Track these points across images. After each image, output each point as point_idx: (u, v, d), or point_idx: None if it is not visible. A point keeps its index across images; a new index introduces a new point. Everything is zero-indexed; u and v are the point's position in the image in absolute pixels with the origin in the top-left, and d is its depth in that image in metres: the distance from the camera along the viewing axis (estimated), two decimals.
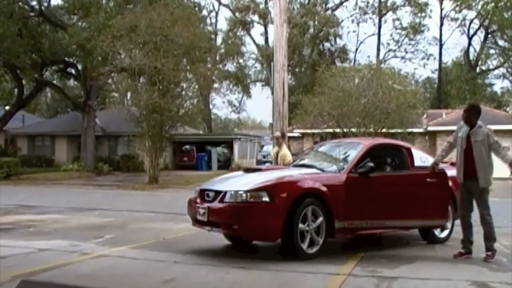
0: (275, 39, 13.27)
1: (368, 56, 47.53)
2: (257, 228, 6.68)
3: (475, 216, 7.09)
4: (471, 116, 7.03)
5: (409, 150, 8.24)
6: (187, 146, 37.75)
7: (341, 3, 50.51)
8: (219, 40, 51.85)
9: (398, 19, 49.92)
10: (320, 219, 6.82)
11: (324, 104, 23.61)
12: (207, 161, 35.14)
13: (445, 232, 8.24)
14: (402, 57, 50.20)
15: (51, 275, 5.71)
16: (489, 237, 6.91)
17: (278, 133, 10.96)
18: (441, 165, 8.61)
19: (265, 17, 48.75)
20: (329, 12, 49.47)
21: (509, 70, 49.55)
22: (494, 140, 6.87)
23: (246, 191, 6.62)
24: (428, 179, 7.77)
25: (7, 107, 36.44)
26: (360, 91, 23.55)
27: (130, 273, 6.00)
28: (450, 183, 8.12)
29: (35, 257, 6.92)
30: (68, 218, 11.26)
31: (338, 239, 7.26)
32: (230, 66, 52.22)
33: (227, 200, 6.71)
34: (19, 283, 2.16)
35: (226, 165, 34.39)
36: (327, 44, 49.65)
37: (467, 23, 49.38)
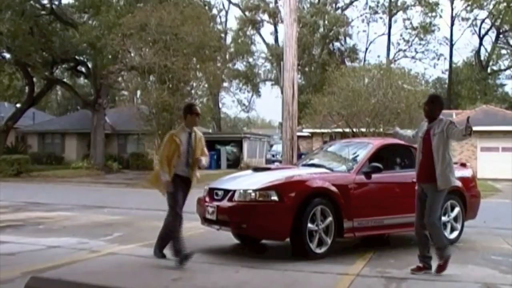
0: (285, 38, 13.22)
1: (378, 56, 47.32)
2: (266, 227, 6.68)
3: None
4: (434, 108, 6.19)
5: None
6: None
7: (351, 3, 50.35)
8: (229, 39, 51.89)
9: (408, 18, 49.72)
10: (329, 219, 6.80)
11: (333, 104, 23.56)
12: (216, 160, 35.15)
13: (455, 233, 8.19)
14: (412, 57, 49.97)
15: (60, 272, 5.74)
16: (437, 243, 6.06)
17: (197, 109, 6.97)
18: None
19: (275, 16, 48.71)
20: (339, 11, 49.34)
21: None
22: (452, 125, 5.99)
23: (255, 190, 6.62)
24: None
25: (18, 105, 36.69)
26: (370, 91, 23.48)
27: (139, 271, 6.02)
28: (460, 183, 8.10)
29: (45, 254, 6.96)
30: (78, 216, 11.31)
31: (347, 239, 7.24)
32: (240, 65, 52.32)
33: (236, 199, 6.71)
34: (29, 280, 2.16)
35: (235, 164, 34.38)
36: (337, 44, 49.50)
37: (478, 23, 49.11)
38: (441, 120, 6.09)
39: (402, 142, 9.38)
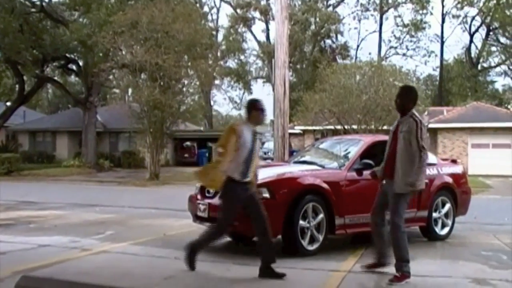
0: (276, 36, 13.22)
1: (370, 53, 47.25)
2: None
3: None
4: (406, 101, 5.67)
5: None
6: (188, 143, 37.73)
7: (342, 0, 50.47)
8: (220, 37, 51.90)
9: (399, 16, 49.90)
10: (321, 215, 6.81)
11: (325, 101, 23.60)
12: (208, 158, 35.15)
13: (446, 229, 8.23)
14: (404, 54, 50.14)
15: (51, 271, 5.71)
16: (398, 254, 5.48)
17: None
18: (442, 162, 8.67)
19: (266, 14, 48.71)
20: (330, 9, 49.45)
21: (511, 67, 49.55)
22: (419, 136, 5.33)
23: None
24: (428, 173, 7.79)
25: (8, 103, 36.48)
26: (361, 88, 23.53)
27: (131, 269, 6.00)
28: (451, 180, 8.17)
29: (36, 253, 6.92)
30: (69, 214, 11.27)
31: (338, 235, 7.25)
32: (231, 63, 52.32)
33: None
34: (20, 279, 2.16)
35: None
36: (328, 41, 49.66)
37: (469, 20, 49.47)
38: (411, 116, 5.53)
39: None
